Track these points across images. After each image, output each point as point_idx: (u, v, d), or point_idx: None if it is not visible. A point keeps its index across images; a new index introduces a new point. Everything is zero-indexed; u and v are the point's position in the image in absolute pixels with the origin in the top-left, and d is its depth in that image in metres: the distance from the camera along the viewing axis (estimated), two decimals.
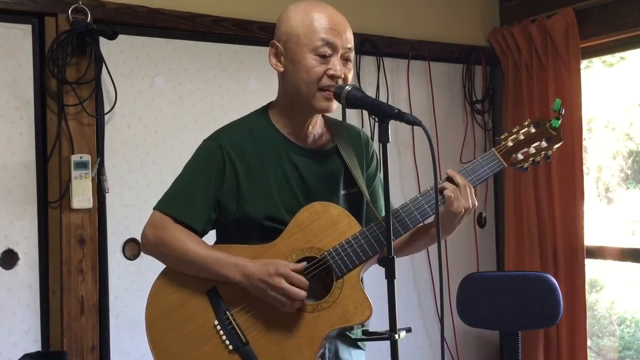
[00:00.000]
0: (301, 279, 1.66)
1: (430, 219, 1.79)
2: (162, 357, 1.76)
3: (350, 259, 1.70)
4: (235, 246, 1.76)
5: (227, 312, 1.74)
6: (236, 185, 1.76)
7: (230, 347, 1.72)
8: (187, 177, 1.81)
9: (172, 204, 1.79)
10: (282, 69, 1.76)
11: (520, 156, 1.79)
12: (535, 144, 1.79)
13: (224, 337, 1.72)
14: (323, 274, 1.73)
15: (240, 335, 1.72)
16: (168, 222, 1.76)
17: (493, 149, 1.80)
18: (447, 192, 1.72)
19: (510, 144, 1.79)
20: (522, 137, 1.79)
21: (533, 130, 1.80)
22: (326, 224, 1.73)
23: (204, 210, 1.76)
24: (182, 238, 1.74)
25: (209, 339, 1.73)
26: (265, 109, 1.86)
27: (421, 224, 1.79)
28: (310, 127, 1.81)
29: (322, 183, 1.80)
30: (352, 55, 1.77)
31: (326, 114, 1.85)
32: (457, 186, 1.74)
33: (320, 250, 1.72)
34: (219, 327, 1.73)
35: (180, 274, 1.78)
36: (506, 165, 1.78)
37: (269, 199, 1.76)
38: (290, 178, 1.78)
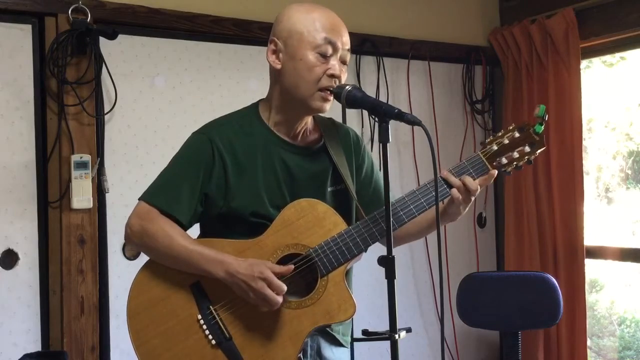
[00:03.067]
0: (280, 285, 1.65)
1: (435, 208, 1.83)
2: (143, 350, 1.74)
3: (336, 257, 1.70)
4: (220, 241, 1.75)
5: (211, 307, 1.74)
6: (224, 179, 1.76)
7: (213, 341, 1.72)
8: (176, 169, 1.80)
9: (159, 196, 1.77)
10: (279, 66, 1.76)
11: (504, 160, 1.82)
12: (519, 149, 1.82)
13: (207, 332, 1.72)
14: (308, 271, 1.73)
15: (224, 330, 1.72)
16: (154, 213, 1.75)
17: (479, 152, 1.82)
18: (454, 192, 1.77)
19: (495, 147, 1.82)
20: (506, 141, 1.81)
21: (517, 135, 1.82)
22: (312, 221, 1.73)
23: (191, 203, 1.76)
24: (168, 230, 1.73)
25: (192, 333, 1.73)
26: (256, 106, 1.87)
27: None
28: (301, 125, 1.82)
29: (310, 181, 1.81)
30: (349, 58, 1.78)
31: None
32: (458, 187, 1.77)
33: (305, 247, 1.72)
34: (202, 322, 1.73)
35: (163, 266, 1.76)
36: (490, 169, 1.81)
37: (256, 195, 1.76)
38: (279, 175, 1.78)
